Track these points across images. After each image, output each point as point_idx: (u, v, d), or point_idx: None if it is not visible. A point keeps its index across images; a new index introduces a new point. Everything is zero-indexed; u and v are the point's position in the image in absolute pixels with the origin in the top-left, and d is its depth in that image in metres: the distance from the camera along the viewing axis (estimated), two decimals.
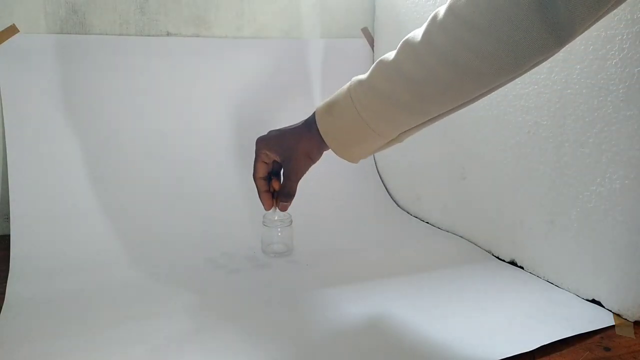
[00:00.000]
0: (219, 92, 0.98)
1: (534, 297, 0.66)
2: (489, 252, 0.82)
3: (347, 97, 0.59)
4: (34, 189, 0.83)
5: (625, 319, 0.61)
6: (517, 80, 0.53)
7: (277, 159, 0.67)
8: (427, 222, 0.96)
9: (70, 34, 0.89)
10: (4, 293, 0.65)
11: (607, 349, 0.55)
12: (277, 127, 0.68)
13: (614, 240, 0.61)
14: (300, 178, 0.68)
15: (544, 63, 0.50)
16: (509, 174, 0.76)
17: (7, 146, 0.84)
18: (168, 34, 0.96)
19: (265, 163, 0.69)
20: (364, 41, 1.10)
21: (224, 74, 0.99)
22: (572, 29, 0.46)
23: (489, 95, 0.54)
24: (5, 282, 0.68)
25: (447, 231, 0.91)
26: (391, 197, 1.06)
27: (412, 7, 0.94)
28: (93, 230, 0.82)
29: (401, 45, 0.55)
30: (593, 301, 0.65)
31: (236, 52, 1.00)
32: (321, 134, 0.61)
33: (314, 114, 0.64)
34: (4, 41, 0.85)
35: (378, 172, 1.10)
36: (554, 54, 0.49)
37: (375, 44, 1.10)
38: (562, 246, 0.68)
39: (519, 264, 0.76)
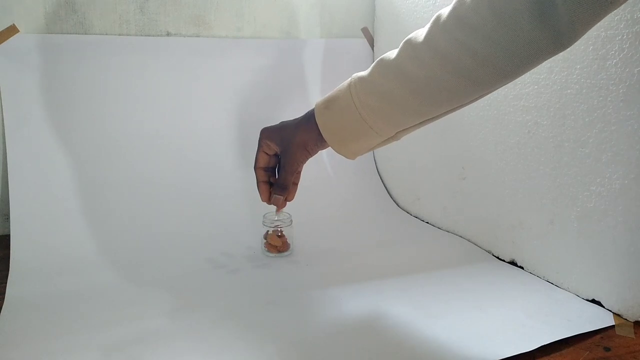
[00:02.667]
0: (219, 92, 0.98)
1: (534, 297, 0.66)
2: (489, 252, 0.82)
3: (347, 93, 0.59)
4: (34, 189, 0.83)
5: (625, 319, 0.61)
6: (517, 80, 0.53)
7: (277, 149, 0.68)
8: (427, 222, 0.96)
9: (70, 34, 0.89)
10: (4, 293, 0.65)
11: (607, 349, 0.55)
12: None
13: (614, 240, 0.61)
14: (295, 170, 0.68)
15: (543, 63, 0.50)
16: (509, 174, 0.76)
17: (7, 146, 0.84)
18: (168, 34, 0.96)
19: (266, 154, 0.69)
20: (364, 41, 1.10)
21: (224, 74, 0.99)
22: (574, 34, 0.46)
23: (489, 95, 0.55)
24: (5, 282, 0.68)
25: (447, 231, 0.91)
26: (391, 197, 1.06)
27: (412, 7, 0.94)
28: (93, 230, 0.82)
29: (403, 44, 0.55)
30: (593, 301, 0.65)
31: (236, 52, 1.00)
32: (319, 128, 0.62)
33: (314, 108, 0.64)
34: (4, 41, 0.85)
35: (378, 172, 1.10)
36: (554, 56, 0.49)
37: (375, 44, 1.10)
38: (562, 246, 0.68)
39: (519, 264, 0.76)
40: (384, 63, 0.56)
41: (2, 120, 0.85)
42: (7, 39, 0.85)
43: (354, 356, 0.53)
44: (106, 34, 0.92)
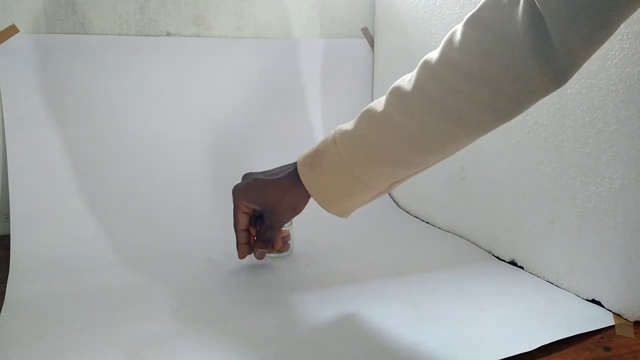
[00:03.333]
0: (219, 91, 0.98)
1: (534, 297, 0.66)
2: (489, 252, 0.82)
3: (334, 150, 0.56)
4: (34, 189, 0.83)
5: (625, 319, 0.61)
6: None
7: (258, 209, 0.66)
8: (427, 222, 0.96)
9: (71, 34, 0.89)
10: (4, 293, 0.65)
11: (607, 349, 0.55)
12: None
13: (614, 240, 0.61)
14: (282, 227, 0.67)
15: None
16: (509, 174, 0.76)
17: (7, 146, 0.84)
18: (168, 34, 0.96)
19: (246, 214, 0.67)
20: (364, 41, 1.10)
21: (224, 74, 0.99)
22: (571, 68, 0.45)
23: None
24: (5, 282, 0.68)
25: (447, 231, 0.91)
26: (391, 197, 1.06)
27: (412, 7, 0.94)
28: (93, 230, 0.82)
29: (390, 94, 0.53)
30: (593, 301, 0.65)
31: (236, 52, 1.00)
32: (308, 190, 0.59)
33: (295, 165, 0.61)
34: (4, 41, 0.85)
35: None
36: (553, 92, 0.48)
37: (375, 44, 1.10)
38: (562, 246, 0.68)
39: (519, 264, 0.76)
40: (371, 115, 0.54)
41: (2, 120, 0.85)
42: (7, 39, 0.85)
43: (354, 356, 0.53)
44: (106, 34, 0.92)
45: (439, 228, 0.93)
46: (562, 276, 0.69)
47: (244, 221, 0.68)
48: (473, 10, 0.49)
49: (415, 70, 0.52)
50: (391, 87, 0.53)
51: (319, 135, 1.05)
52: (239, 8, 1.00)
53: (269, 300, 0.65)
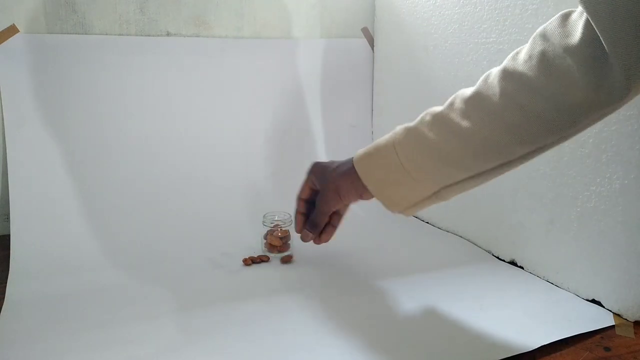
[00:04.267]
0: (218, 91, 0.98)
1: (534, 297, 0.66)
2: (489, 252, 0.82)
3: (390, 144, 0.59)
4: (34, 189, 0.83)
5: (625, 319, 0.61)
6: None
7: (316, 187, 0.68)
8: (427, 222, 0.96)
9: (70, 34, 0.89)
10: (4, 293, 0.65)
11: (607, 349, 0.55)
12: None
13: (614, 240, 0.61)
14: (326, 212, 0.68)
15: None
16: (509, 174, 0.76)
17: (7, 146, 0.84)
18: (168, 34, 0.96)
19: (311, 188, 0.70)
20: (364, 41, 1.10)
21: (224, 74, 0.99)
22: (628, 93, 0.45)
23: None
24: (5, 282, 0.68)
25: (447, 231, 0.91)
26: None
27: (412, 7, 0.94)
28: (93, 230, 0.82)
29: (451, 98, 0.55)
30: (593, 301, 0.65)
31: (236, 52, 1.00)
32: (359, 175, 0.61)
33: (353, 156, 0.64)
34: (4, 41, 0.85)
35: None
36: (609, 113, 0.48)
37: (375, 44, 1.10)
38: (562, 246, 0.68)
39: (519, 264, 0.76)
40: (431, 114, 0.56)
41: (2, 120, 0.85)
42: (7, 39, 0.85)
43: (353, 356, 0.53)
44: (106, 34, 0.92)
45: (439, 228, 0.93)
46: (562, 276, 0.69)
47: (305, 192, 0.71)
48: (545, 24, 0.50)
49: (479, 81, 0.54)
50: (455, 94, 0.55)
51: (318, 134, 1.06)
52: (239, 8, 1.00)
53: (269, 301, 0.65)
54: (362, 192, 0.63)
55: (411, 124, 0.58)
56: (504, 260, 0.78)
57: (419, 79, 0.94)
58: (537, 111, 0.49)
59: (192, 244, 0.82)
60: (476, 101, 0.52)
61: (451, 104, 0.55)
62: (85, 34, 0.90)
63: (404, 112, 1.00)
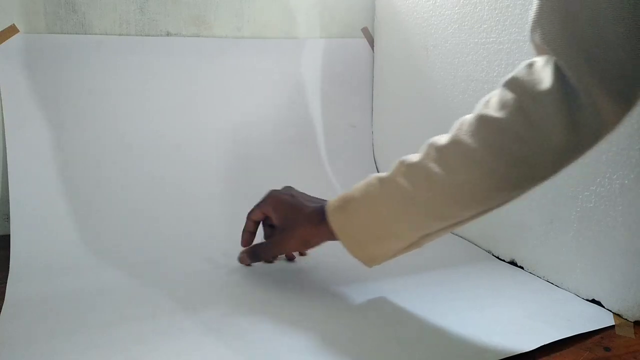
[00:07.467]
0: (219, 92, 0.98)
1: (534, 297, 0.66)
2: (489, 252, 0.82)
3: (367, 199, 0.57)
4: (34, 189, 0.83)
5: (625, 319, 0.61)
6: None
7: (276, 222, 0.67)
8: None
9: (70, 34, 0.89)
10: (4, 293, 0.65)
11: (607, 349, 0.55)
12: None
13: (614, 240, 0.61)
14: (283, 253, 0.67)
15: None
16: None
17: (7, 146, 0.84)
18: (168, 34, 0.96)
19: (264, 214, 0.69)
20: (364, 41, 1.10)
21: (224, 74, 0.99)
22: (606, 132, 0.46)
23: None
24: (5, 282, 0.68)
25: None
26: None
27: (412, 7, 0.94)
28: (93, 230, 0.82)
29: (427, 147, 0.54)
30: (593, 301, 0.65)
31: (236, 52, 1.00)
32: (334, 230, 0.59)
33: (323, 205, 0.62)
34: (4, 41, 0.85)
35: (379, 172, 1.10)
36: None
37: (375, 44, 1.10)
38: (562, 246, 0.68)
39: (519, 264, 0.76)
40: (406, 164, 0.55)
41: (2, 120, 0.85)
42: (7, 39, 0.85)
43: (353, 356, 0.53)
44: (106, 34, 0.92)
45: None
46: (562, 276, 0.69)
47: (257, 216, 0.70)
48: (511, 74, 0.50)
49: (452, 128, 0.53)
50: (427, 141, 0.55)
51: (318, 134, 1.06)
52: (239, 8, 1.00)
53: (269, 301, 0.65)
54: (331, 240, 0.62)
55: (384, 175, 0.57)
56: (504, 260, 0.78)
57: (419, 79, 0.94)
58: (521, 156, 0.48)
59: (193, 244, 0.82)
60: (453, 149, 0.51)
61: (427, 153, 0.54)
62: (85, 34, 0.90)
63: (403, 112, 1.00)
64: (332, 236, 0.61)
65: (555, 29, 0.44)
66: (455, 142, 0.51)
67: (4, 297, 0.64)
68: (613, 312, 0.62)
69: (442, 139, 0.53)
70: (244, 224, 0.73)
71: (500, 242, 0.79)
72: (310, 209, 0.63)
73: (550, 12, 0.44)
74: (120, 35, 0.92)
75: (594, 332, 0.58)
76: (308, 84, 1.06)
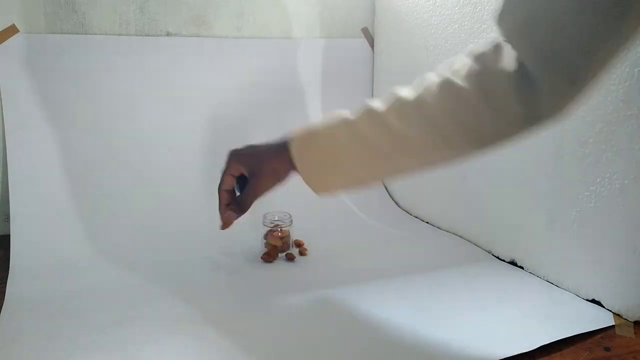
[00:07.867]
0: (219, 91, 0.98)
1: (534, 297, 0.66)
2: (489, 252, 0.82)
3: (329, 134, 0.61)
4: (34, 189, 0.83)
5: (625, 319, 0.61)
6: None
7: (245, 172, 0.67)
8: (427, 222, 0.96)
9: (70, 34, 0.89)
10: (4, 293, 0.65)
11: (607, 349, 0.55)
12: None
13: (614, 240, 0.61)
14: (259, 195, 0.66)
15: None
16: (509, 174, 0.76)
17: (7, 146, 0.84)
18: (168, 34, 0.96)
19: (233, 176, 0.68)
20: (364, 41, 1.10)
21: (224, 74, 0.99)
22: (552, 112, 0.49)
23: None
24: (5, 282, 0.68)
25: (447, 231, 0.91)
26: (391, 198, 1.06)
27: (412, 7, 0.94)
28: (93, 230, 0.82)
29: (393, 99, 0.57)
30: (593, 301, 0.65)
31: (236, 52, 1.00)
32: (293, 158, 0.62)
33: (288, 135, 0.64)
34: (4, 41, 0.85)
35: None
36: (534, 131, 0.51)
37: (375, 44, 1.09)
38: (562, 246, 0.68)
39: (519, 264, 0.76)
40: (371, 112, 0.58)
41: (2, 120, 0.85)
42: (7, 39, 0.85)
43: (354, 356, 0.53)
44: (106, 34, 0.92)
45: (439, 228, 0.93)
46: (562, 276, 0.69)
47: (228, 182, 0.68)
48: (481, 47, 0.53)
49: (419, 84, 0.56)
50: (393, 91, 0.57)
51: None
52: (239, 8, 1.00)
53: (270, 301, 0.65)
54: (289, 173, 0.64)
55: (350, 117, 0.60)
56: (504, 260, 0.78)
57: None
58: (474, 126, 0.52)
59: (193, 244, 0.82)
60: (416, 108, 0.55)
61: (391, 106, 0.57)
62: (85, 34, 0.90)
63: None
64: (290, 164, 0.63)
65: (517, 28, 0.48)
66: (419, 102, 0.55)
67: (4, 297, 0.64)
68: (613, 312, 0.62)
69: (408, 93, 0.56)
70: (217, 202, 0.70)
71: (500, 242, 0.79)
72: (272, 144, 0.66)
73: (514, 9, 0.48)
74: (120, 35, 0.92)
75: (594, 332, 0.58)
76: (308, 83, 1.06)
